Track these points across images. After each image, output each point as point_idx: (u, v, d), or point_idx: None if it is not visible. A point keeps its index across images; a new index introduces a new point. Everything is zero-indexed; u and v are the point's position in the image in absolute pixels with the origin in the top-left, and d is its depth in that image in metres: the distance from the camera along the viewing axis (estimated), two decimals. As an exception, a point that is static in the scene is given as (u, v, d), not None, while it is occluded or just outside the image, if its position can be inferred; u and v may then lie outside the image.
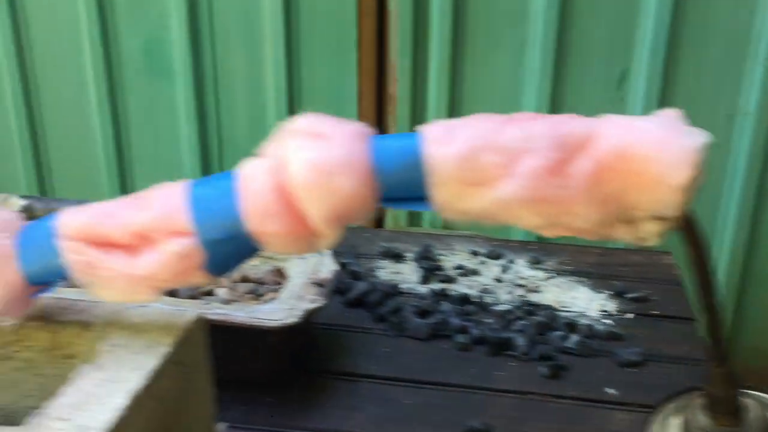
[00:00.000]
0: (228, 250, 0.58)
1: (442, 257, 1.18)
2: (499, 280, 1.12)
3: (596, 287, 1.11)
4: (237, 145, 1.78)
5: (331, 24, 1.65)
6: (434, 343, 0.98)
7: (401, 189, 0.57)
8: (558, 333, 0.98)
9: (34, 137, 1.84)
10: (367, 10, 1.64)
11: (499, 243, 1.25)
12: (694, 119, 0.55)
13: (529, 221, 0.55)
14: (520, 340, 0.96)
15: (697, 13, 1.54)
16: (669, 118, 0.55)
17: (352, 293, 1.06)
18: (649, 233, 0.55)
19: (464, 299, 1.06)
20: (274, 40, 1.67)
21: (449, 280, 1.12)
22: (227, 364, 0.69)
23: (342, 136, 0.56)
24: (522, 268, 1.16)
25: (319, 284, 0.89)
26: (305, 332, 0.94)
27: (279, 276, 0.94)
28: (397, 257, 1.18)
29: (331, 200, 0.55)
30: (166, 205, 0.58)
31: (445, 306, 1.04)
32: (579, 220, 0.54)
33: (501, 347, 0.96)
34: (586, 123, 0.55)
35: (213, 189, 0.58)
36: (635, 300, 1.08)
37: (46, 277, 0.61)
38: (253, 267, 0.95)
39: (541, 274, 1.15)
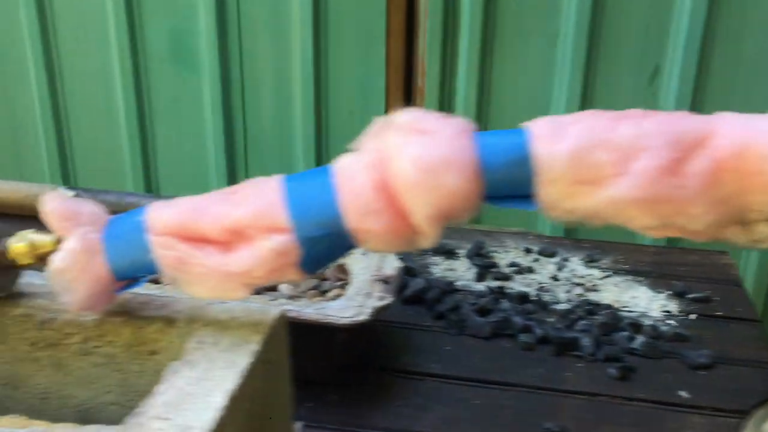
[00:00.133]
0: (324, 246, 0.57)
1: (494, 254, 1.17)
2: (555, 279, 1.11)
3: (655, 287, 1.09)
4: (263, 137, 1.75)
5: (360, 16, 1.63)
6: (496, 341, 0.96)
7: (506, 187, 0.55)
8: (623, 334, 0.96)
9: (58, 127, 1.82)
10: (396, 2, 1.61)
11: (550, 240, 1.23)
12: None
13: (642, 222, 0.53)
14: (586, 341, 0.94)
15: (733, 8, 1.51)
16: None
17: (409, 290, 1.04)
18: (765, 235, 0.53)
19: (523, 297, 1.04)
20: (302, 33, 1.64)
21: (505, 277, 1.10)
22: (295, 362, 0.68)
23: (447, 133, 0.54)
24: (577, 266, 1.14)
25: (384, 281, 0.87)
26: (372, 329, 0.93)
27: (342, 272, 0.93)
28: (449, 254, 1.17)
29: (436, 198, 0.53)
30: (261, 201, 0.57)
31: (505, 304, 1.03)
32: (694, 222, 0.53)
33: (566, 347, 0.94)
34: (702, 121, 0.53)
35: (310, 185, 0.57)
36: (697, 300, 1.06)
37: (134, 272, 0.60)
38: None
39: (597, 272, 1.13)
